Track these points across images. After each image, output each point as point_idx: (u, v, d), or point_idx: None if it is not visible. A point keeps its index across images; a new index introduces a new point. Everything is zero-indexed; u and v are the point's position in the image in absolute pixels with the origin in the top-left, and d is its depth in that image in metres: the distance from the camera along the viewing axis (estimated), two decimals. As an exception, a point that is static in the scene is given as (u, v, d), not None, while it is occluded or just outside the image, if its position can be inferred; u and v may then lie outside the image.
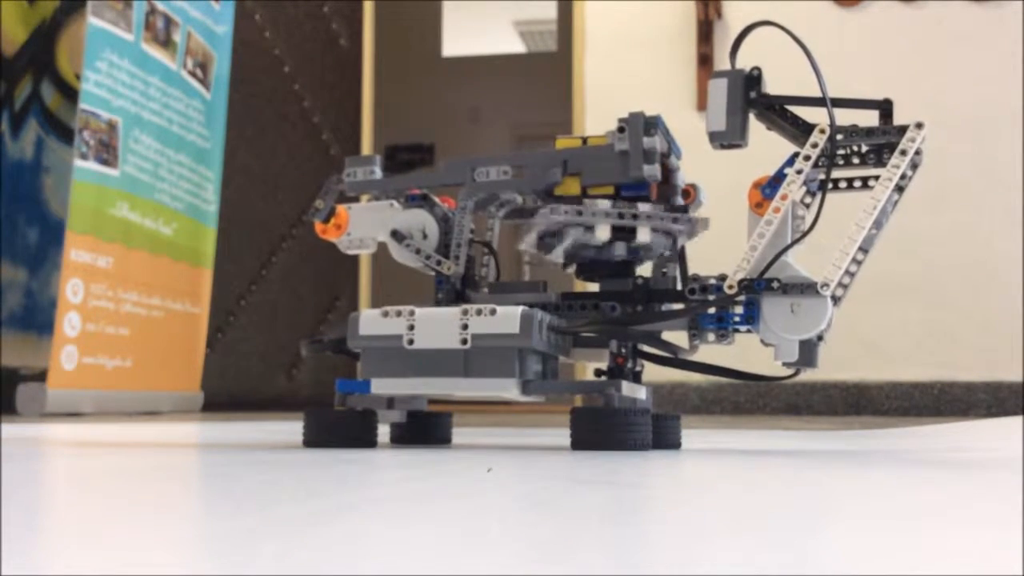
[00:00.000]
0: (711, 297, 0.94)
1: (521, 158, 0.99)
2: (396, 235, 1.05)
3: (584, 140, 0.98)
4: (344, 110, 3.90)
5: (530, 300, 0.98)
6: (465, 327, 0.91)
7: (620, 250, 0.98)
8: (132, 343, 2.65)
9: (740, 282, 0.92)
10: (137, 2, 2.66)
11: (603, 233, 0.96)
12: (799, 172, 0.92)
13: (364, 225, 1.08)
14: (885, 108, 0.92)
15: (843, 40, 3.23)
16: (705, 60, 3.30)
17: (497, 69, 4.93)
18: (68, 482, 0.62)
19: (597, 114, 3.35)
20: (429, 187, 1.05)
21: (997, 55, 3.18)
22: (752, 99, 0.94)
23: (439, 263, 1.02)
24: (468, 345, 0.90)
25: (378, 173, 1.04)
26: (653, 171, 0.94)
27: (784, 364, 0.94)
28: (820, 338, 0.93)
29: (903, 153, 0.90)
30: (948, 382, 3.10)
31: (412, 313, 0.93)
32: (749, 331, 0.94)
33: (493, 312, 0.90)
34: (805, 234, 0.93)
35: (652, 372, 1.06)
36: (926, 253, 3.13)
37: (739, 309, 0.95)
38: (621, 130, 0.94)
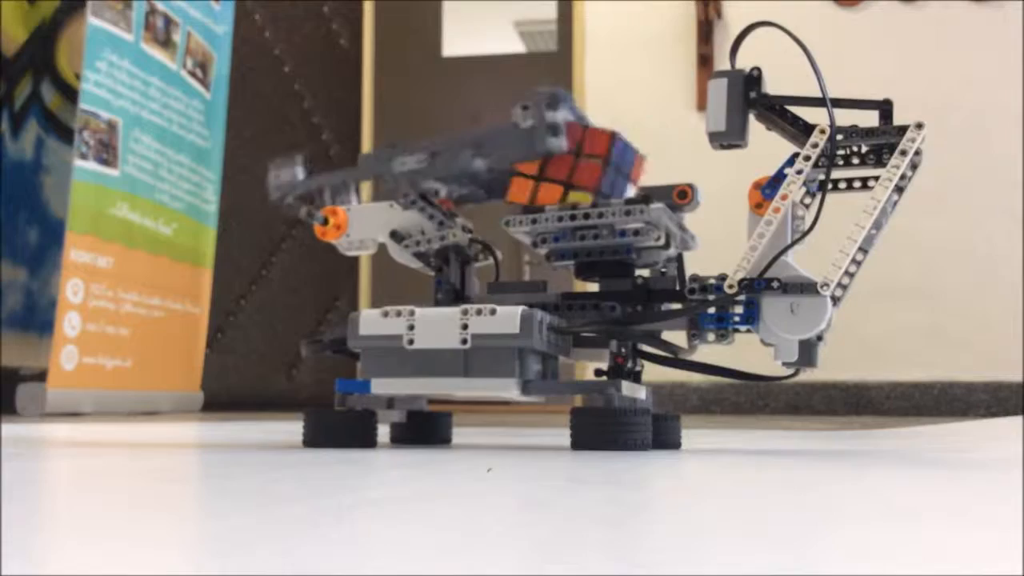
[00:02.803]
0: (711, 297, 0.94)
1: (435, 144, 1.00)
2: (395, 236, 1.05)
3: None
4: (344, 110, 3.90)
5: (530, 300, 0.98)
6: (465, 327, 0.91)
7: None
8: (132, 343, 2.65)
9: (740, 282, 0.92)
10: (137, 2, 2.66)
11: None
12: (799, 172, 0.92)
13: (363, 226, 1.08)
14: (885, 108, 0.92)
15: (843, 40, 3.22)
16: (705, 60, 3.30)
17: (497, 69, 4.93)
18: (68, 482, 0.62)
19: (597, 114, 3.34)
20: (352, 182, 1.07)
21: (997, 55, 3.18)
22: (752, 99, 0.94)
23: (444, 225, 1.03)
24: (468, 345, 0.90)
25: (300, 174, 1.05)
26: (559, 143, 0.94)
27: (784, 364, 0.94)
28: (820, 338, 0.93)
29: (903, 153, 0.90)
30: (948, 382, 3.10)
31: (412, 313, 0.93)
32: (749, 331, 0.94)
33: (493, 312, 0.90)
34: (805, 234, 0.93)
35: (652, 372, 1.06)
36: (926, 253, 3.13)
37: (739, 309, 0.95)
38: (524, 108, 0.95)
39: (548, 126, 0.93)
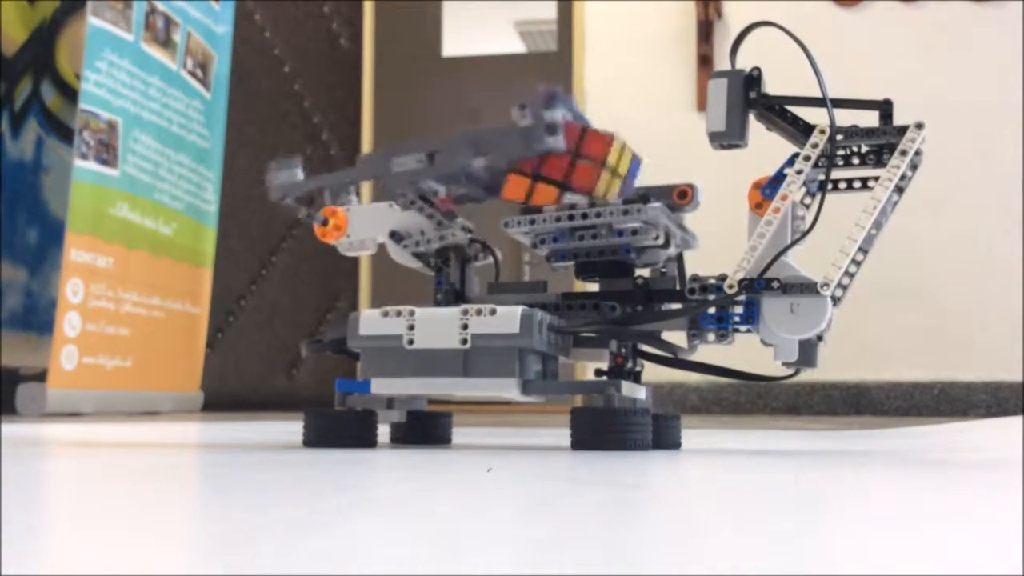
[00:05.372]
0: (711, 297, 0.94)
1: (433, 144, 1.00)
2: (395, 236, 1.05)
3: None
4: (344, 110, 3.90)
5: (530, 300, 0.98)
6: (465, 327, 0.91)
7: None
8: (132, 343, 2.65)
9: (740, 282, 0.92)
10: (137, 2, 2.66)
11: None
12: (799, 172, 0.92)
13: (363, 227, 1.08)
14: (885, 108, 0.92)
15: (843, 40, 3.22)
16: (705, 60, 3.30)
17: (497, 69, 4.93)
18: (68, 482, 0.62)
19: (597, 114, 3.34)
20: (351, 184, 1.08)
21: (997, 55, 3.18)
22: (752, 99, 0.94)
23: (444, 225, 1.03)
24: (468, 345, 0.90)
25: (299, 175, 1.05)
26: (557, 142, 0.94)
27: (784, 364, 0.94)
28: (820, 338, 0.94)
29: (903, 153, 0.90)
30: (948, 382, 3.10)
31: (412, 313, 0.93)
32: (749, 331, 0.94)
33: (493, 312, 0.90)
34: (805, 234, 0.93)
35: (652, 372, 1.06)
36: (926, 253, 3.13)
37: (739, 309, 0.95)
38: (522, 107, 0.94)
39: (546, 125, 0.93)
